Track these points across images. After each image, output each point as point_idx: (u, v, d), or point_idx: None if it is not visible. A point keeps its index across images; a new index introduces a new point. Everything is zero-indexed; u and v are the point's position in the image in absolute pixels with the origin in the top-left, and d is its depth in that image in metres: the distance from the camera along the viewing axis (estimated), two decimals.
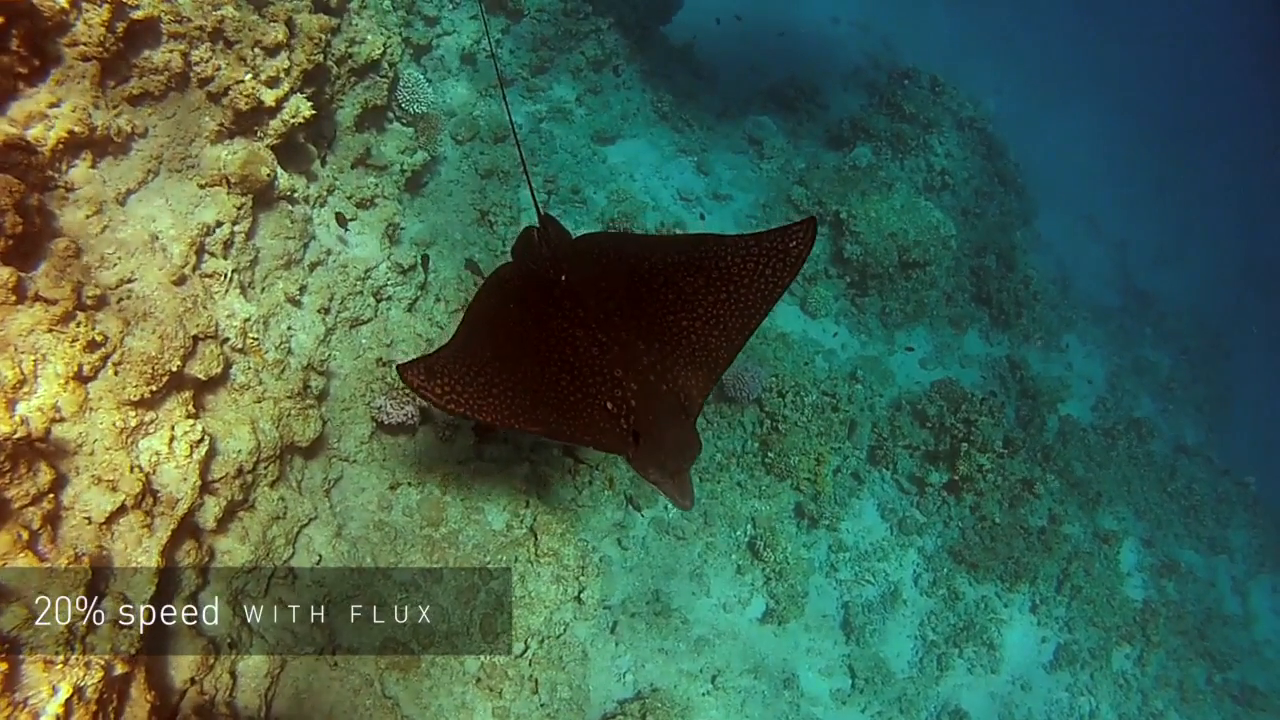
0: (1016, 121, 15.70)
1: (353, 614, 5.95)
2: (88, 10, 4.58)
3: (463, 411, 3.66)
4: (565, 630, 6.88)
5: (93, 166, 4.94)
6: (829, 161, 12.11)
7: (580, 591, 7.02)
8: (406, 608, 6.19)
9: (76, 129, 4.69)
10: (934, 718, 8.77)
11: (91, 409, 4.36)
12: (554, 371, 3.68)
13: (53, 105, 4.56)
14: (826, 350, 10.18)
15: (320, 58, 5.93)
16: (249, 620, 5.34)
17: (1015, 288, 12.24)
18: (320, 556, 5.96)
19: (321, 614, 5.78)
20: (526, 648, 6.60)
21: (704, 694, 7.63)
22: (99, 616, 3.92)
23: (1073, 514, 10.70)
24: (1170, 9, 28.46)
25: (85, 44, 4.65)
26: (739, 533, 8.49)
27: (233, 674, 5.07)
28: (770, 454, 8.80)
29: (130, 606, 4.12)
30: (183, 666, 4.69)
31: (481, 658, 6.35)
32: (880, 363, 10.59)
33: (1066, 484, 10.89)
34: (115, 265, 4.77)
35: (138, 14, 4.86)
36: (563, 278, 3.89)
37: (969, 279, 12.12)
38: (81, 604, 3.75)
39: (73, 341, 4.26)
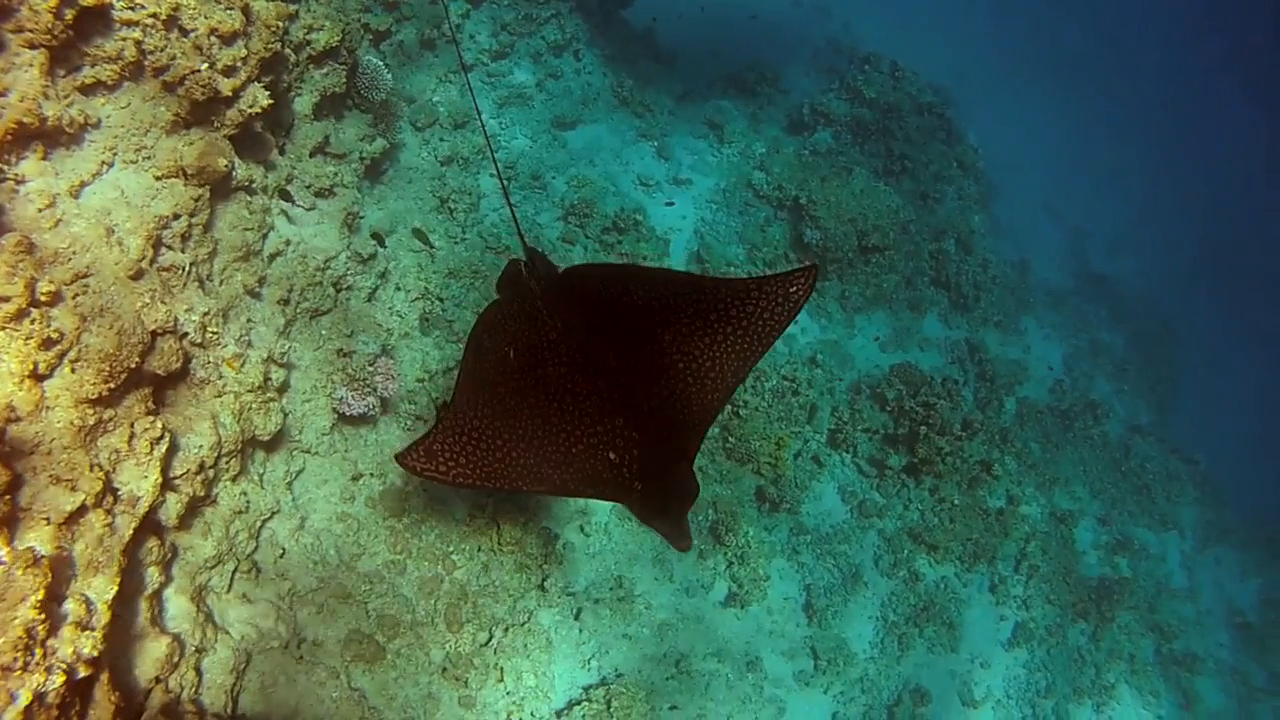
0: (976, 107, 15.81)
1: (317, 606, 5.95)
2: None
3: (472, 484, 3.62)
4: (529, 618, 6.92)
5: (44, 158, 4.84)
6: (789, 146, 12.15)
7: (544, 579, 7.06)
8: (371, 599, 6.20)
9: (25, 120, 4.59)
10: (895, 697, 8.94)
11: (48, 407, 4.30)
12: (555, 423, 3.61)
13: None
14: (786, 335, 10.24)
15: (278, 46, 5.83)
16: (213, 616, 5.31)
17: (974, 271, 12.39)
18: (284, 550, 5.94)
19: (286, 607, 5.78)
20: (491, 636, 6.63)
21: (668, 679, 7.72)
22: (60, 618, 3.88)
23: (1030, 494, 10.91)
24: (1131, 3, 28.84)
25: (32, 31, 4.53)
26: (700, 518, 8.56)
27: (198, 671, 5.04)
28: (731, 439, 8.87)
29: (92, 607, 4.08)
30: (147, 665, 4.66)
31: (446, 648, 6.38)
32: (840, 347, 10.69)
33: (1024, 465, 11.09)
34: (70, 260, 4.67)
35: (88, 0, 4.75)
36: (559, 323, 3.79)
37: (928, 263, 12.24)
38: (40, 607, 3.69)
39: (27, 339, 4.19)
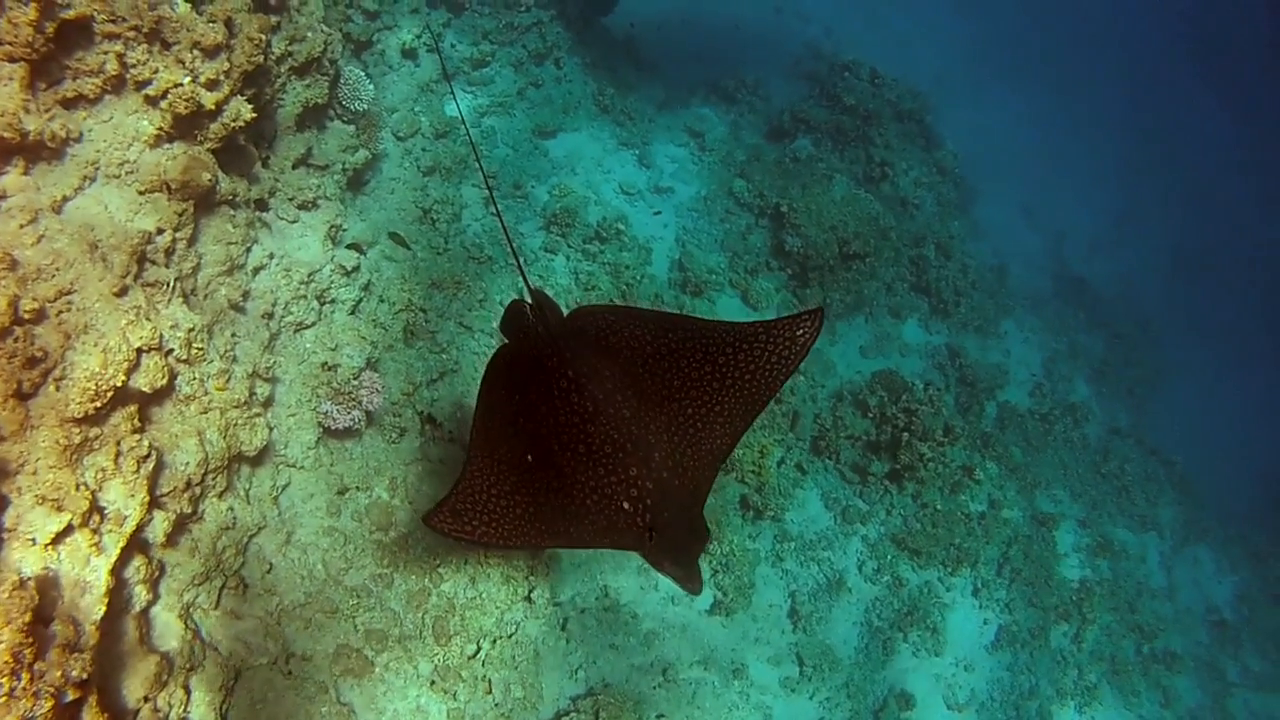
0: (954, 111, 15.92)
1: (305, 621, 5.93)
2: (13, 9, 4.45)
3: (497, 543, 3.61)
4: (517, 629, 6.91)
5: (25, 173, 4.82)
6: (770, 154, 12.19)
7: (530, 591, 7.05)
8: (358, 613, 6.18)
9: (6, 134, 4.57)
10: (881, 701, 8.97)
11: (33, 427, 4.27)
12: (569, 475, 3.59)
13: None
14: None
15: (260, 59, 5.82)
16: (201, 633, 5.28)
17: (954, 276, 12.47)
18: (271, 565, 5.91)
19: (274, 622, 5.75)
20: (479, 649, 6.61)
21: (655, 687, 7.72)
22: (48, 641, 3.85)
23: (1012, 498, 10.97)
24: (1103, 4, 29.12)
25: (12, 44, 4.52)
26: None
27: (186, 689, 5.01)
28: None
29: (80, 628, 4.05)
30: (136, 685, 4.62)
31: (435, 660, 6.36)
32: (821, 354, 10.73)
33: (1005, 469, 11.16)
34: (53, 276, 4.64)
35: (69, 13, 4.74)
36: (569, 370, 3.76)
37: (908, 269, 12.31)
38: (27, 630, 3.67)
39: (10, 358, 4.17)
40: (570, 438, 3.63)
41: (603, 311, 4.13)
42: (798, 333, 3.82)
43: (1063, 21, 27.95)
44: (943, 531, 9.85)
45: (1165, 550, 13.40)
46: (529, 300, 4.10)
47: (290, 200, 6.77)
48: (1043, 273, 17.13)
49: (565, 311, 4.25)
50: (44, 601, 3.92)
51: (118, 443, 4.59)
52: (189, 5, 5.33)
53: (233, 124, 5.69)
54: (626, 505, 3.50)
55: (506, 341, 4.25)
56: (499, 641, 6.73)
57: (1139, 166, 24.67)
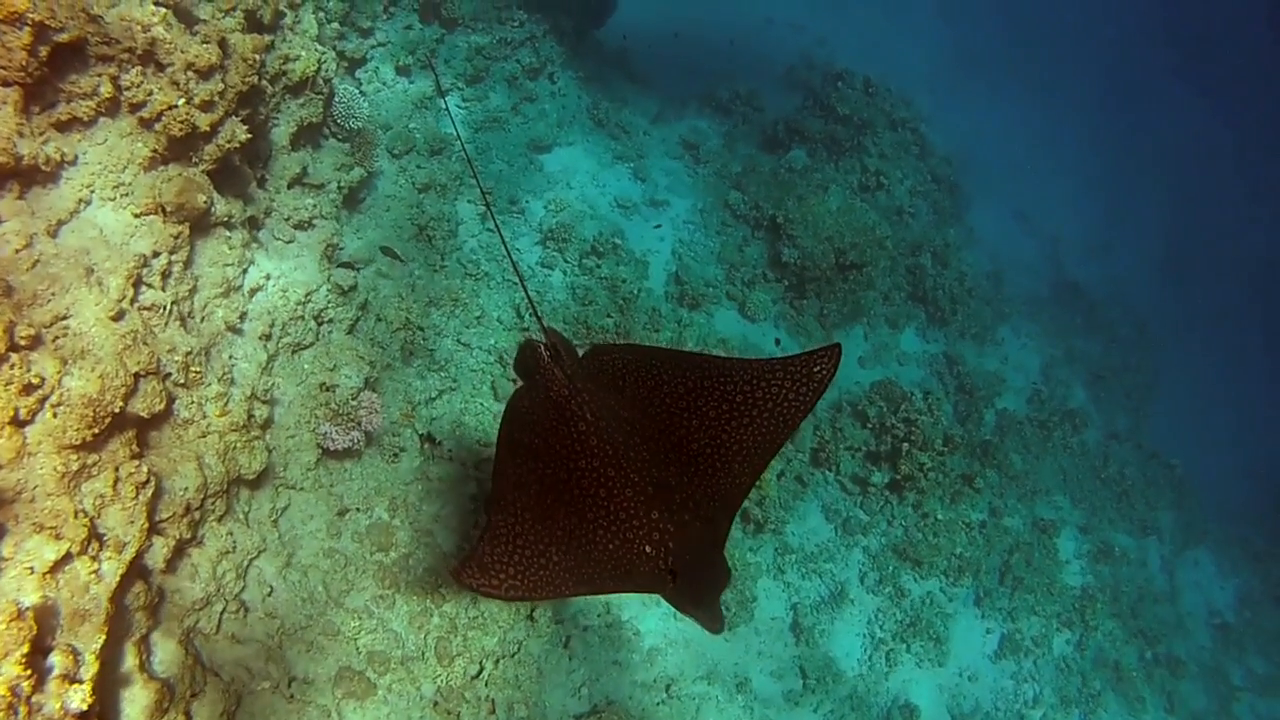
0: (947, 118, 15.96)
1: (307, 644, 5.88)
2: (7, 33, 4.42)
3: (525, 596, 3.54)
4: (519, 649, 6.86)
5: (20, 197, 4.79)
6: (765, 165, 12.19)
7: (532, 609, 7.01)
8: (360, 635, 6.14)
9: (0, 159, 4.54)
10: (885, 713, 8.93)
11: (30, 454, 4.23)
12: (591, 520, 3.56)
13: None
14: (766, 355, 10.25)
15: (255, 79, 5.80)
16: (202, 658, 5.23)
17: (950, 284, 12.46)
18: (271, 588, 5.87)
19: (275, 646, 5.70)
20: (482, 669, 6.57)
21: (659, 703, 7.69)
22: (46, 671, 3.81)
23: (1012, 506, 10.96)
24: (1092, 10, 29.26)
25: (5, 68, 4.50)
26: None
27: (188, 715, 4.95)
28: None
29: (80, 658, 4.01)
30: (136, 713, 4.57)
31: (438, 681, 6.32)
32: None
33: (1005, 477, 11.15)
34: (49, 301, 4.61)
35: (63, 37, 4.70)
36: (587, 414, 3.73)
37: (905, 278, 12.31)
38: (25, 662, 3.62)
39: (7, 385, 4.13)
40: (590, 482, 3.60)
41: (618, 351, 4.09)
42: (815, 369, 3.77)
43: (1050, 26, 28.08)
44: (944, 541, 9.83)
45: (1166, 554, 13.39)
46: (543, 339, 4.06)
47: (286, 220, 6.74)
48: (1038, 278, 17.13)
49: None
50: (42, 631, 3.87)
51: (116, 469, 4.55)
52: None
53: (228, 145, 5.67)
54: (648, 549, 3.47)
55: (522, 384, 4.21)
56: (502, 661, 6.68)
57: (1128, 169, 24.75)
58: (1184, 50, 29.78)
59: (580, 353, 4.18)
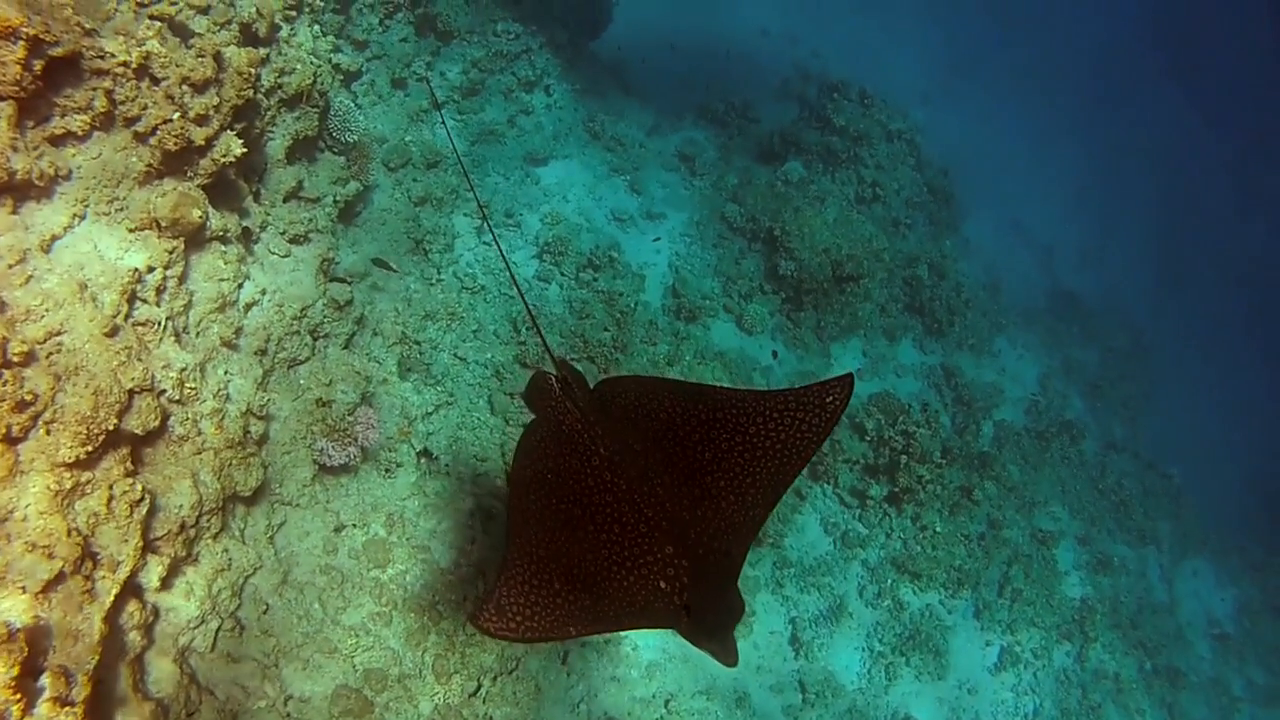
0: (943, 130, 15.99)
1: (303, 662, 5.82)
2: (1, 48, 4.39)
3: (541, 638, 3.52)
4: (517, 665, 6.80)
5: (13, 212, 4.74)
6: (761, 177, 12.18)
7: None
8: (357, 652, 6.08)
9: None
10: None
11: (22, 472, 4.18)
12: (606, 557, 3.53)
13: None
14: (764, 368, 10.22)
15: (250, 92, 5.77)
16: (197, 677, 5.17)
17: (947, 295, 12.45)
18: (267, 605, 5.81)
19: (271, 664, 5.64)
20: (480, 686, 6.50)
21: (658, 719, 7.63)
22: (36, 694, 3.75)
23: (1011, 518, 10.92)
24: (1082, 17, 29.39)
25: (0, 83, 4.46)
26: None
27: None
28: None
29: (72, 679, 3.95)
30: None
31: (435, 699, 6.26)
32: (817, 378, 10.62)
33: (1004, 488, 11.11)
34: (42, 317, 4.56)
35: (57, 51, 4.67)
36: (601, 449, 3.72)
37: (902, 289, 12.29)
38: (14, 685, 3.56)
39: None
40: (605, 518, 3.58)
41: (630, 383, 4.07)
42: (828, 399, 3.74)
43: (1042, 36, 28.17)
44: (943, 553, 9.79)
45: (1165, 564, 13.36)
46: (553, 370, 4.02)
47: (282, 234, 6.70)
48: (1034, 288, 17.15)
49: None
50: (34, 653, 3.82)
51: (110, 486, 4.50)
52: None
53: (223, 159, 5.63)
54: (663, 584, 3.44)
55: (533, 416, 4.17)
56: (500, 678, 6.62)
57: (1122, 175, 24.84)
58: (1175, 54, 29.91)
59: (586, 377, 4.15)
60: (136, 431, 4.75)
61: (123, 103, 5.10)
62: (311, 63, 6.79)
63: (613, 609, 3.49)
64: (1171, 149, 27.16)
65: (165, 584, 5.01)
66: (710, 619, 3.47)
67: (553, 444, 3.87)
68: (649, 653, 7.87)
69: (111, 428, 4.48)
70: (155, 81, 5.24)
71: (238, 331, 5.94)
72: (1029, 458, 12.17)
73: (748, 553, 3.75)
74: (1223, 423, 19.47)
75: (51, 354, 4.52)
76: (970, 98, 22.13)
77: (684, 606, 3.42)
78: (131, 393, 4.71)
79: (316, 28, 7.26)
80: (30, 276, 4.63)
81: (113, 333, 4.81)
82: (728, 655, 3.47)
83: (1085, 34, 29.69)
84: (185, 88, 5.32)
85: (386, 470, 6.90)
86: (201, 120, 5.43)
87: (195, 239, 5.62)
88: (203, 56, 5.40)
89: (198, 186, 5.52)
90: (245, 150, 5.76)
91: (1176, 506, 14.23)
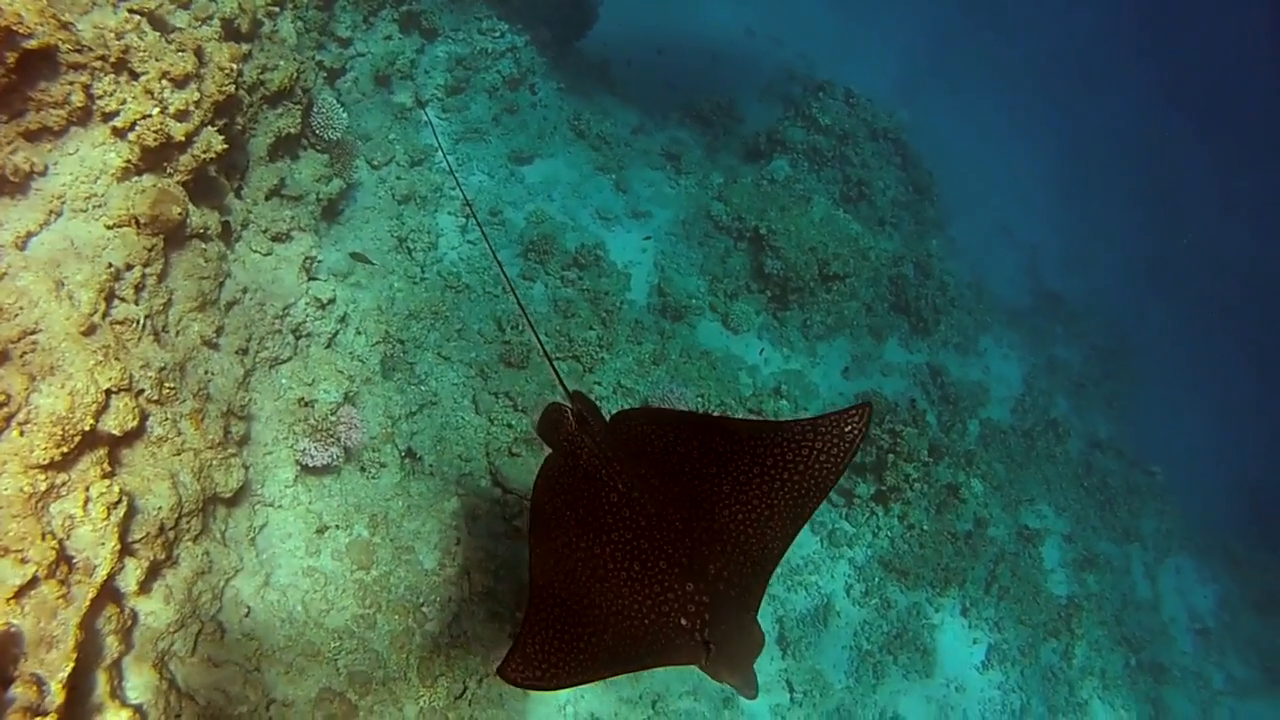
0: (929, 130, 15.99)
1: (286, 666, 5.74)
2: None
3: (567, 684, 3.44)
4: None
5: None
6: (746, 175, 12.16)
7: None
8: (341, 655, 6.00)
9: None
10: None
11: None
12: (627, 595, 3.48)
13: None
14: (750, 366, 10.19)
15: (232, 88, 5.69)
16: (177, 683, 5.08)
17: (933, 295, 12.45)
18: (249, 608, 5.72)
19: (253, 668, 5.56)
20: (465, 688, 6.43)
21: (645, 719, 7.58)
22: (6, 705, 3.66)
23: (997, 516, 10.93)
24: (1066, 16, 29.54)
25: None
26: None
27: None
28: None
29: (45, 687, 3.86)
30: None
31: (420, 702, 6.18)
32: (804, 376, 10.65)
33: (990, 487, 11.11)
34: (17, 316, 4.46)
35: (31, 44, 4.56)
36: (619, 484, 3.66)
37: (888, 288, 12.29)
38: None
39: None
40: (625, 555, 3.52)
41: (645, 415, 4.00)
42: (846, 429, 3.68)
43: (1026, 35, 28.31)
44: (930, 552, 9.78)
45: (1149, 561, 13.44)
46: (568, 402, 3.94)
47: (264, 232, 6.61)
48: (1020, 288, 17.22)
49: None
50: (4, 660, 3.73)
51: (86, 488, 4.40)
52: None
53: (203, 155, 5.55)
54: (684, 621, 3.38)
55: (550, 450, 4.09)
56: (485, 680, 6.55)
57: (1108, 182, 24.95)
58: (1159, 54, 30.11)
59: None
60: (114, 432, 4.65)
61: (101, 97, 5.01)
62: (294, 59, 6.71)
63: (635, 650, 3.43)
64: (1155, 149, 27.33)
65: (144, 588, 4.91)
66: (732, 654, 3.40)
67: (569, 479, 3.81)
68: None
69: (88, 428, 4.38)
70: (134, 76, 5.16)
71: (218, 330, 5.85)
72: (1015, 456, 12.20)
73: (767, 586, 3.67)
74: (1205, 420, 19.55)
75: (26, 353, 4.43)
76: (955, 97, 22.18)
77: (705, 643, 3.36)
78: (109, 392, 4.61)
79: (300, 24, 7.20)
80: (4, 274, 4.54)
81: (90, 331, 4.71)
82: (749, 688, 3.39)
83: (1069, 34, 29.85)
84: (165, 83, 5.24)
85: (370, 471, 6.82)
86: (182, 116, 5.34)
87: (175, 236, 5.52)
88: (183, 51, 5.33)
89: (178, 183, 5.44)
90: (226, 147, 5.68)
91: (1160, 504, 14.31)
